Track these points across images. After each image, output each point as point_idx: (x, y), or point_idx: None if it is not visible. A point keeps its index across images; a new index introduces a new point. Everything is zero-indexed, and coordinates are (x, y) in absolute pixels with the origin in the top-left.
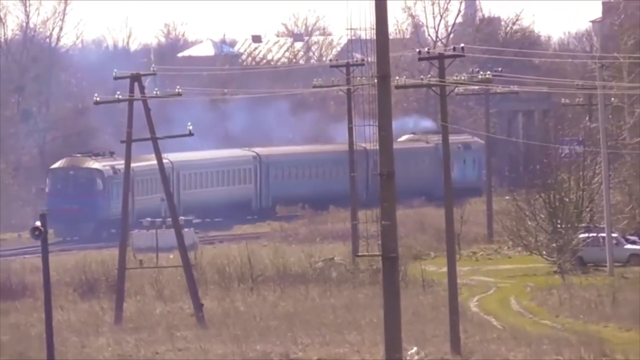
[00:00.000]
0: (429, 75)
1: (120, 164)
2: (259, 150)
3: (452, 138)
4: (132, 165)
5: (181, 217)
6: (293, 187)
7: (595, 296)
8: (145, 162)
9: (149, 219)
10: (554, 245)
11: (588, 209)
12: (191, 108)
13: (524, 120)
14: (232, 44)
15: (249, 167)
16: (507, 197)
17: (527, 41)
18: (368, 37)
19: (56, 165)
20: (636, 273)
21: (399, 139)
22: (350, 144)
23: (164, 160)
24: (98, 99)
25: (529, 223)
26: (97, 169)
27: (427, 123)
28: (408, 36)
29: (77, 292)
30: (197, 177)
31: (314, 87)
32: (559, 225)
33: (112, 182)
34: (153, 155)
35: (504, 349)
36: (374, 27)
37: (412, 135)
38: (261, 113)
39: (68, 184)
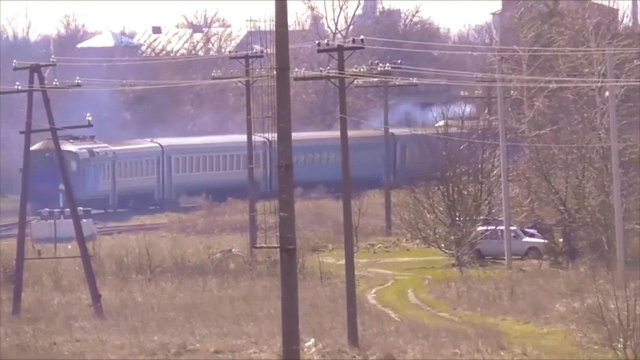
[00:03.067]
0: (328, 67)
1: (99, 147)
2: (269, 135)
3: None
4: (114, 148)
5: (80, 208)
6: (307, 171)
7: (493, 289)
8: (128, 146)
9: (47, 209)
10: (452, 238)
11: (486, 202)
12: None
13: (423, 113)
14: (132, 35)
15: (256, 152)
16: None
17: (426, 33)
18: (267, 29)
19: (34, 147)
20: (534, 266)
21: (436, 124)
22: (249, 135)
23: (153, 144)
24: None
25: (428, 216)
26: (71, 152)
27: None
28: (307, 28)
29: None
30: (193, 161)
31: (213, 78)
32: (457, 218)
33: (88, 164)
34: (137, 140)
35: (401, 342)
36: (274, 18)
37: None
38: (160, 103)
39: (44, 165)
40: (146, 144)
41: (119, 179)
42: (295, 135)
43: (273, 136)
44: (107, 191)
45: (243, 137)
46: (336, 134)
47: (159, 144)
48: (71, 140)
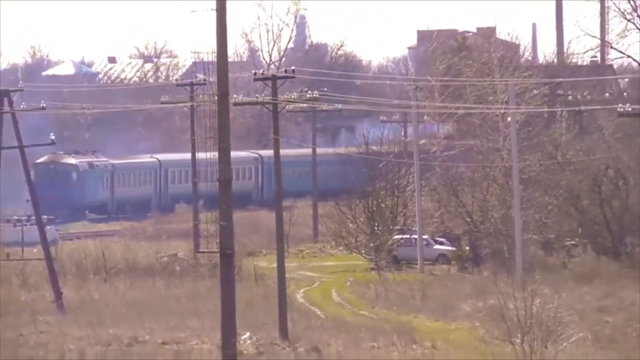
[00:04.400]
0: (263, 94)
1: (98, 160)
2: (261, 152)
3: None
4: (113, 162)
5: (44, 216)
6: (292, 183)
7: (407, 290)
8: (127, 160)
9: (15, 217)
10: (372, 245)
11: (402, 214)
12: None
13: (347, 135)
14: (90, 64)
15: (249, 166)
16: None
17: (350, 64)
18: (210, 60)
19: (40, 160)
20: (444, 270)
21: (420, 142)
22: (193, 154)
23: (151, 159)
24: None
25: (350, 225)
26: (72, 164)
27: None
28: (245, 59)
29: None
30: (189, 173)
31: (162, 103)
32: (376, 228)
33: (87, 175)
34: (136, 155)
35: (326, 336)
36: (216, 51)
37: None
38: (115, 125)
39: (48, 175)
40: (145, 158)
41: (118, 189)
42: (285, 151)
43: (214, 155)
44: (106, 199)
45: (233, 154)
46: (316, 150)
47: (156, 158)
48: (73, 155)
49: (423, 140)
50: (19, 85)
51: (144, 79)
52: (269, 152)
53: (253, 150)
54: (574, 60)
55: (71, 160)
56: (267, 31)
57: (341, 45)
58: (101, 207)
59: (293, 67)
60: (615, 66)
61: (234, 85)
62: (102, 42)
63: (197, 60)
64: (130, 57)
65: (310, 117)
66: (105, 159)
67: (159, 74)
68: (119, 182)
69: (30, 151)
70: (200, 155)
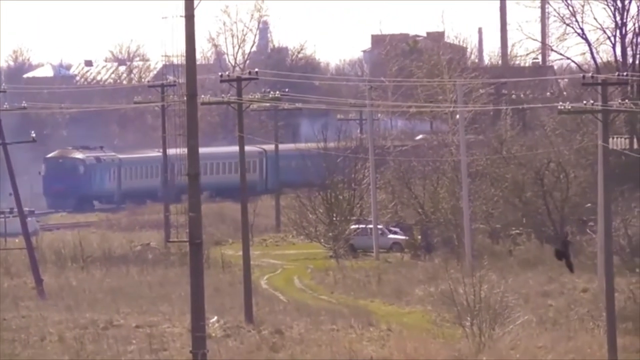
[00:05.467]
0: (229, 94)
1: (104, 155)
2: (264, 147)
3: None
4: (121, 156)
5: (26, 209)
6: (292, 174)
7: (363, 276)
8: (134, 155)
9: None
10: (330, 234)
11: (358, 205)
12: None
13: (306, 132)
14: (68, 67)
15: (254, 159)
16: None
17: (309, 66)
18: (179, 63)
19: (50, 155)
20: (397, 258)
21: (416, 138)
22: (164, 150)
23: (158, 154)
24: None
25: (310, 216)
26: (80, 158)
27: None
28: (212, 62)
29: None
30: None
31: (135, 103)
32: (334, 218)
33: (93, 168)
34: (143, 150)
35: (289, 319)
36: (185, 54)
37: (424, 135)
38: (91, 123)
39: (58, 169)
40: (152, 153)
41: (125, 181)
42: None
43: (183, 150)
44: (113, 190)
45: (234, 148)
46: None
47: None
48: (81, 149)
49: (402, 136)
50: (2, 87)
51: (118, 81)
52: (270, 147)
53: (258, 145)
54: (517, 62)
55: (79, 154)
56: (232, 36)
57: (301, 49)
58: (108, 197)
59: (256, 69)
60: (555, 67)
61: (201, 86)
62: (79, 46)
63: (168, 63)
64: (106, 61)
65: (273, 116)
66: (113, 153)
67: (132, 76)
68: (125, 175)
69: (43, 147)
70: (171, 151)
